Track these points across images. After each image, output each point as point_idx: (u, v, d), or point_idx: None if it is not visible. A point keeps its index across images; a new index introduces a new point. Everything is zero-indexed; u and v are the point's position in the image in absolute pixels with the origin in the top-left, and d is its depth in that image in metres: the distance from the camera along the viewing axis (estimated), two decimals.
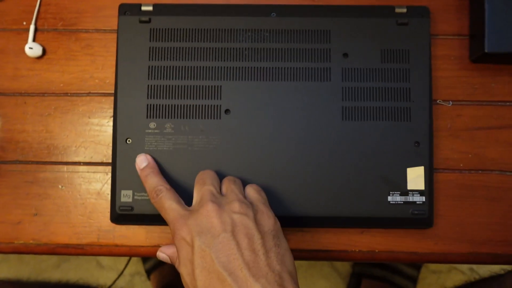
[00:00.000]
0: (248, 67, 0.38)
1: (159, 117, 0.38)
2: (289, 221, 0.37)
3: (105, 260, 0.91)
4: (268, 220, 0.31)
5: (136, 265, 0.90)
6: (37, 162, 0.41)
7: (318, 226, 0.39)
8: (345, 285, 0.89)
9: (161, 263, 0.84)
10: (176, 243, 0.31)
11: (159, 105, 0.38)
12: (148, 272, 0.86)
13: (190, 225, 0.30)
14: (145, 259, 0.87)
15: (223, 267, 0.28)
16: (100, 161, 0.41)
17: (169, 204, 0.32)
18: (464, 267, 0.87)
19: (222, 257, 0.28)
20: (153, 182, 0.34)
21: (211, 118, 0.38)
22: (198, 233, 0.29)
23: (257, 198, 0.33)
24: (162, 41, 0.39)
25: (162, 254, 0.35)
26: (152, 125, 0.38)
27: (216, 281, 0.28)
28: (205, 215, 0.30)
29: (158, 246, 0.40)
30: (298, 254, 0.40)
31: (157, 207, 0.33)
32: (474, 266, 0.87)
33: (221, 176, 0.36)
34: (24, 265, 0.93)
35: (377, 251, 0.39)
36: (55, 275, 0.92)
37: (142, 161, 0.36)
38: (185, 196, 0.34)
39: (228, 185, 0.33)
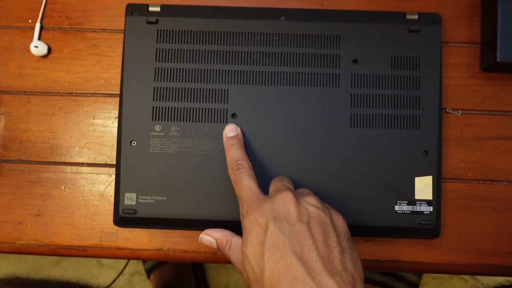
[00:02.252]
0: (256, 71, 0.38)
1: (164, 120, 0.38)
2: None
3: (105, 259, 0.91)
4: (343, 223, 0.31)
5: (136, 264, 0.90)
6: (40, 162, 0.41)
7: None
8: None
9: (161, 263, 0.84)
10: (247, 223, 0.30)
11: (165, 107, 0.38)
12: (148, 272, 0.86)
13: (266, 208, 0.29)
14: None
15: (296, 255, 0.27)
16: (104, 162, 0.40)
17: (248, 182, 0.32)
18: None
19: (296, 246, 0.27)
20: (238, 154, 0.34)
21: (217, 122, 0.37)
22: (274, 217, 0.29)
23: (323, 204, 0.32)
24: (169, 42, 0.38)
25: (208, 237, 0.34)
26: (158, 127, 0.38)
27: (287, 268, 0.27)
28: (282, 202, 0.29)
29: (161, 250, 0.39)
30: None
31: (234, 180, 0.33)
32: None
33: (227, 180, 0.36)
34: (23, 262, 0.92)
35: (382, 260, 0.39)
36: (54, 273, 0.91)
37: (231, 130, 0.36)
38: (191, 201, 0.34)
39: (298, 189, 0.33)
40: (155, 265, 0.84)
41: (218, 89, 0.38)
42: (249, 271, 0.29)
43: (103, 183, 0.40)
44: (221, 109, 0.38)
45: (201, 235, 0.34)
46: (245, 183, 0.32)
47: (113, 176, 0.40)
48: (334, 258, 0.28)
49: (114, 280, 0.82)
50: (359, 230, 0.37)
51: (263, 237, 0.28)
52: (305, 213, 0.29)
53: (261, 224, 0.29)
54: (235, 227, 0.37)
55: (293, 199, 0.30)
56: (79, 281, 0.88)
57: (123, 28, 0.41)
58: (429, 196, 0.37)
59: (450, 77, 0.40)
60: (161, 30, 0.39)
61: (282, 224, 0.28)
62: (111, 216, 0.39)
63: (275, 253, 0.27)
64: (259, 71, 0.38)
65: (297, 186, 0.37)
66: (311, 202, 0.30)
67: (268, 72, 0.38)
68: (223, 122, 0.37)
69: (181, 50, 0.38)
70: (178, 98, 0.38)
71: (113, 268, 0.90)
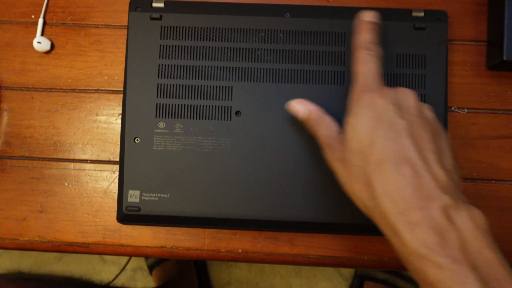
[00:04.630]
0: (260, 68, 0.38)
1: (168, 117, 0.37)
2: (298, 226, 0.37)
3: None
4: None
5: (138, 260, 0.90)
6: (44, 159, 0.40)
7: (326, 232, 0.38)
8: (347, 287, 0.89)
9: (163, 259, 0.84)
10: (365, 98, 0.30)
11: (169, 104, 0.37)
12: (150, 268, 0.86)
13: (388, 93, 0.29)
14: None
15: (412, 140, 0.27)
16: (107, 159, 0.40)
17: (375, 66, 0.32)
18: None
19: (413, 133, 0.28)
20: (374, 38, 0.33)
21: (221, 119, 0.37)
22: (395, 103, 0.29)
23: None
24: (173, 39, 0.38)
25: (300, 106, 0.34)
26: (161, 124, 0.37)
27: (401, 147, 0.27)
28: (405, 95, 0.30)
29: (164, 247, 0.39)
30: (306, 260, 0.39)
31: (361, 58, 0.32)
32: None
33: (231, 178, 0.36)
34: (26, 257, 0.93)
35: (386, 259, 0.39)
36: (57, 268, 0.92)
37: (372, 16, 0.34)
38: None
39: None
40: (158, 261, 0.85)
41: (222, 86, 0.38)
42: (353, 140, 0.29)
43: (107, 180, 0.40)
44: (225, 106, 0.37)
45: (292, 102, 0.35)
46: (372, 65, 0.32)
47: (117, 173, 0.40)
48: (446, 158, 0.28)
49: (117, 276, 0.82)
50: (363, 229, 0.37)
51: (381, 114, 0.28)
52: (424, 113, 0.30)
53: (379, 103, 0.29)
54: (239, 225, 0.37)
55: (415, 96, 0.30)
56: (82, 277, 0.88)
57: (126, 24, 0.41)
58: None
59: (455, 76, 0.40)
60: (164, 26, 0.38)
61: (402, 111, 0.29)
62: (115, 213, 0.39)
63: (391, 131, 0.28)
64: (264, 68, 0.38)
65: (300, 182, 0.36)
66: (430, 108, 0.31)
67: (273, 69, 0.38)
68: (227, 120, 0.37)
69: (185, 46, 0.38)
70: (182, 95, 0.38)
71: (115, 264, 0.91)
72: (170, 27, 0.38)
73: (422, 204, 0.25)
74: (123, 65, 0.41)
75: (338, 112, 0.37)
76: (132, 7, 0.39)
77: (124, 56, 0.40)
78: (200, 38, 0.38)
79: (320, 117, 0.33)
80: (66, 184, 0.40)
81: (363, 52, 0.32)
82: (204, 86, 0.38)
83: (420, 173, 0.26)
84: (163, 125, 0.37)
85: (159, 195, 0.37)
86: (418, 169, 0.26)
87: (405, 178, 0.26)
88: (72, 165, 0.40)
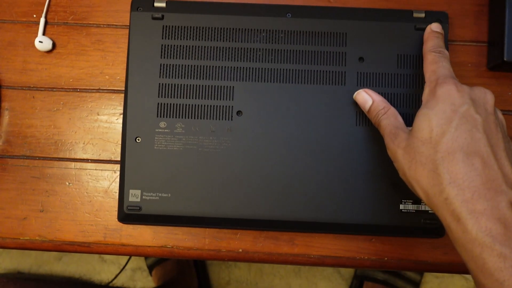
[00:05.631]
0: (262, 68, 0.38)
1: (169, 117, 0.37)
2: (298, 225, 0.37)
3: (107, 255, 0.91)
4: None
5: (138, 260, 0.90)
6: (44, 158, 0.40)
7: (327, 232, 0.38)
8: (347, 287, 0.89)
9: (163, 259, 0.84)
10: (442, 90, 0.30)
11: (170, 104, 0.38)
12: (150, 268, 0.86)
13: (465, 89, 0.30)
14: None
15: (486, 135, 0.28)
16: (108, 158, 0.40)
17: (448, 65, 0.33)
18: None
19: (487, 129, 0.28)
20: (441, 43, 0.35)
21: (222, 119, 0.37)
22: (472, 99, 0.29)
23: None
24: (174, 39, 0.38)
25: (366, 96, 0.35)
26: (163, 124, 0.37)
27: (474, 140, 0.28)
28: (483, 92, 0.30)
29: (165, 247, 0.39)
30: (306, 260, 0.39)
31: (433, 59, 0.34)
32: None
33: (232, 178, 0.36)
34: (25, 257, 0.93)
35: (386, 259, 0.39)
36: (57, 268, 0.92)
37: (438, 27, 0.36)
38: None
39: None
40: (157, 261, 0.85)
41: (224, 86, 0.38)
42: (425, 129, 0.29)
43: (108, 180, 0.40)
44: (226, 106, 0.37)
45: (359, 91, 0.36)
46: (445, 64, 0.33)
47: (118, 173, 0.40)
48: None
49: (116, 276, 0.82)
50: (363, 229, 0.37)
51: (458, 107, 0.29)
52: (498, 114, 0.31)
53: (456, 97, 0.29)
54: (240, 224, 0.37)
55: (493, 96, 0.30)
56: (81, 277, 0.88)
57: (128, 23, 0.41)
58: None
59: (456, 76, 0.40)
60: (166, 26, 0.38)
61: (479, 107, 0.29)
62: (115, 213, 0.39)
63: (466, 124, 0.28)
64: (265, 68, 0.38)
65: (301, 182, 0.36)
66: (501, 114, 0.31)
67: (274, 69, 0.38)
68: (229, 120, 0.37)
69: (186, 46, 0.38)
70: (183, 94, 0.38)
71: (115, 263, 0.91)
72: (172, 26, 0.38)
73: (489, 195, 0.26)
74: (125, 64, 0.41)
75: (340, 111, 0.37)
76: (134, 7, 0.39)
77: (126, 55, 0.40)
78: (202, 38, 0.38)
79: (384, 107, 0.34)
80: (67, 183, 0.40)
81: (433, 54, 0.34)
82: (206, 86, 0.38)
83: (491, 166, 0.27)
84: (164, 124, 0.37)
85: (160, 194, 0.37)
86: (489, 162, 0.27)
87: (475, 169, 0.27)
88: (73, 164, 0.40)
